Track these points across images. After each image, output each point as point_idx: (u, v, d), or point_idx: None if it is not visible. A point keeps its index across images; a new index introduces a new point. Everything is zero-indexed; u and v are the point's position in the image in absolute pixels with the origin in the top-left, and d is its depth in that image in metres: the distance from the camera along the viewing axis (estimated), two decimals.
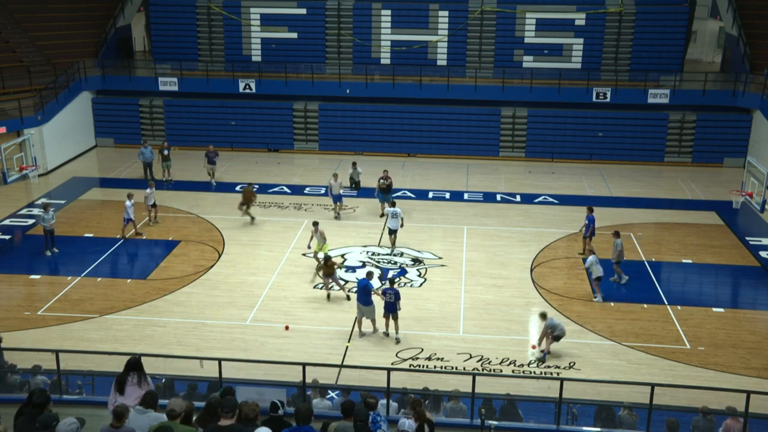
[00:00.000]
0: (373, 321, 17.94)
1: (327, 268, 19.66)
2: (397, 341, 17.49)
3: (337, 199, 25.57)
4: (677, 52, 34.83)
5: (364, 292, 17.56)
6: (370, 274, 18.09)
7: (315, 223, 21.25)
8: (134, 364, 9.74)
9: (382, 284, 20.58)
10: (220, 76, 34.26)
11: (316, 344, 17.46)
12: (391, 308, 17.41)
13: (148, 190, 24.52)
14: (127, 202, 23.21)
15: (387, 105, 33.62)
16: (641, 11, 34.51)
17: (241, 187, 26.59)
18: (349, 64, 35.79)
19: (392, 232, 23.04)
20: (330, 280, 19.76)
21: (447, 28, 35.42)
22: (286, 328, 18.16)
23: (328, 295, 19.86)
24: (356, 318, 18.05)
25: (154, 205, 24.70)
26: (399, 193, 27.44)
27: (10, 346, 15.68)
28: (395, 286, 17.81)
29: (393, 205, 23.62)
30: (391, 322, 17.67)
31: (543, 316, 17.20)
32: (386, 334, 17.76)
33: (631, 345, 17.57)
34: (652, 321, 18.77)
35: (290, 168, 31.42)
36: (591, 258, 19.78)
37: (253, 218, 25.07)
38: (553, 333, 16.80)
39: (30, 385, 12.90)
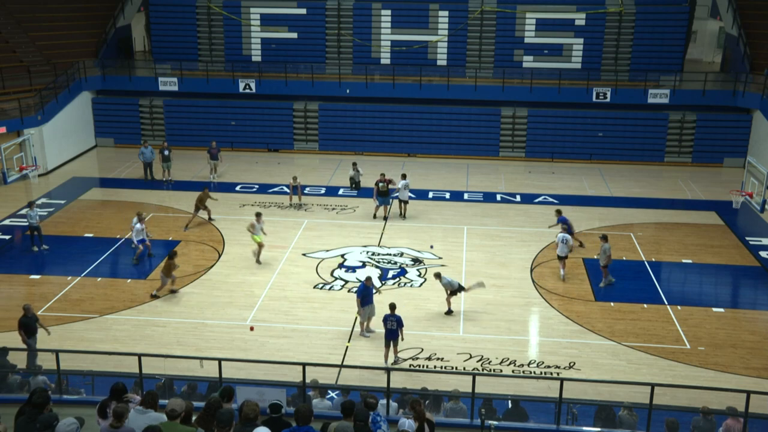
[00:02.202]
0: (362, 323, 17.83)
1: (169, 264, 19.37)
2: (396, 361, 16.63)
3: (295, 191, 26.85)
4: (677, 52, 34.83)
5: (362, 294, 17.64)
6: (368, 279, 17.79)
7: (258, 214, 22.11)
8: (118, 391, 9.32)
9: (383, 283, 20.64)
10: (220, 76, 34.26)
11: (316, 344, 17.46)
12: (393, 336, 16.47)
13: (138, 225, 21.70)
14: (138, 225, 21.65)
15: (387, 105, 33.62)
16: (641, 11, 34.52)
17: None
18: (349, 64, 35.80)
19: (402, 203, 25.40)
20: (167, 280, 19.52)
21: (447, 28, 35.42)
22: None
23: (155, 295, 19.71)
24: (360, 319, 17.97)
25: (142, 241, 21.81)
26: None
27: (10, 346, 15.71)
28: (396, 312, 16.62)
29: (404, 177, 25.51)
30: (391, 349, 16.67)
31: (437, 276, 18.76)
32: (394, 362, 16.59)
33: (631, 345, 17.57)
34: (652, 321, 18.78)
35: (290, 168, 31.39)
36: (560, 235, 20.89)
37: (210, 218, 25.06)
38: (450, 289, 18.67)
39: (30, 385, 12.90)
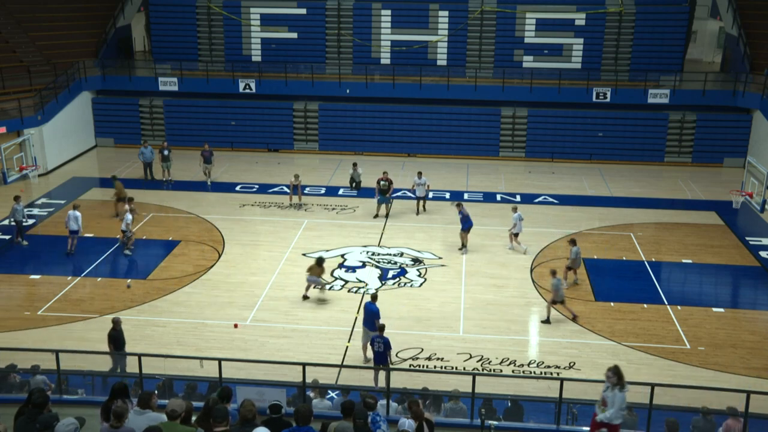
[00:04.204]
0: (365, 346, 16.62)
1: (312, 268, 19.46)
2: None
3: (295, 191, 26.79)
4: (677, 52, 34.83)
5: (370, 316, 16.37)
6: (374, 297, 16.80)
7: (130, 199, 23.29)
8: (119, 390, 9.30)
9: (382, 284, 20.64)
10: (220, 76, 34.26)
11: (316, 344, 17.46)
12: (382, 359, 15.29)
13: (128, 214, 22.47)
14: (73, 212, 22.20)
15: (387, 105, 33.62)
16: (641, 11, 34.51)
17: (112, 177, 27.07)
18: (349, 64, 35.80)
19: (420, 199, 26.07)
20: (313, 283, 19.53)
21: (447, 28, 35.42)
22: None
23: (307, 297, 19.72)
24: (362, 343, 16.70)
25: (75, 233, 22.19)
26: (399, 193, 27.45)
27: (10, 346, 15.72)
28: (384, 333, 15.47)
29: (420, 176, 25.95)
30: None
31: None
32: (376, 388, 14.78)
33: (631, 345, 17.57)
34: (652, 321, 18.78)
35: (290, 168, 31.36)
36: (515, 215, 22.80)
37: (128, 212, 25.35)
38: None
39: (30, 385, 12.89)
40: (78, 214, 22.31)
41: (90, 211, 26.39)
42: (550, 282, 18.74)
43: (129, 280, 20.68)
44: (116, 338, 15.54)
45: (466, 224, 22.63)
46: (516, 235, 22.83)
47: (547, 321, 18.53)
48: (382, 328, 15.57)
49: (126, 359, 15.33)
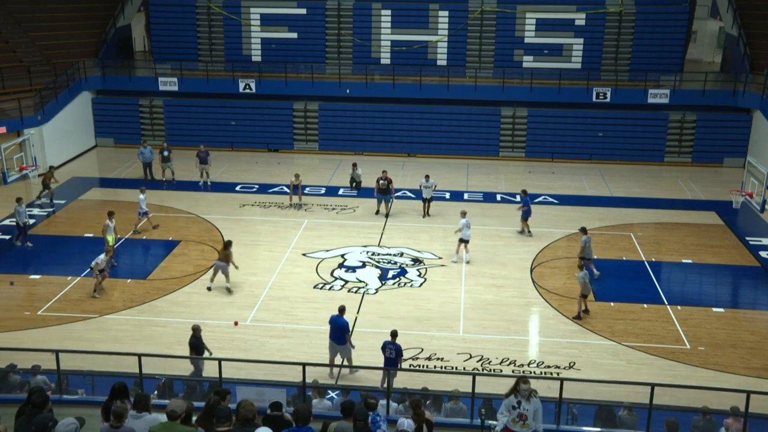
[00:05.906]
0: (349, 360, 16.01)
1: (226, 252, 19.87)
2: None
3: (296, 191, 26.73)
4: (677, 52, 34.84)
5: (336, 329, 15.78)
6: (342, 310, 16.05)
7: (110, 213, 21.83)
8: (119, 390, 9.27)
9: (382, 284, 20.64)
10: (220, 76, 34.26)
11: (316, 344, 17.44)
12: (393, 365, 14.92)
13: (141, 196, 23.98)
14: (141, 196, 24.01)
15: (387, 105, 33.61)
16: (641, 11, 34.52)
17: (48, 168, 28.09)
18: (349, 64, 35.80)
19: (426, 201, 25.81)
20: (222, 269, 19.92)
21: (447, 28, 35.42)
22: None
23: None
24: (330, 357, 16.10)
25: (145, 213, 24.03)
26: (399, 193, 27.43)
27: (10, 346, 15.73)
28: (397, 340, 15.09)
29: (428, 178, 25.72)
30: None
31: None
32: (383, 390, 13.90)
33: (631, 345, 17.57)
34: (652, 321, 18.78)
35: (290, 168, 31.34)
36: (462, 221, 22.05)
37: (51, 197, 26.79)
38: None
39: (30, 385, 12.90)
40: (142, 196, 23.93)
41: (90, 211, 26.46)
42: (577, 275, 18.85)
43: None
44: (197, 345, 15.54)
45: (527, 214, 24.10)
46: (465, 242, 21.82)
47: (577, 317, 18.67)
48: (394, 334, 15.13)
49: (204, 364, 15.32)
